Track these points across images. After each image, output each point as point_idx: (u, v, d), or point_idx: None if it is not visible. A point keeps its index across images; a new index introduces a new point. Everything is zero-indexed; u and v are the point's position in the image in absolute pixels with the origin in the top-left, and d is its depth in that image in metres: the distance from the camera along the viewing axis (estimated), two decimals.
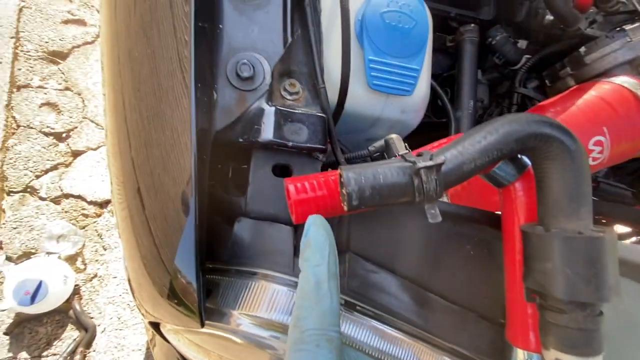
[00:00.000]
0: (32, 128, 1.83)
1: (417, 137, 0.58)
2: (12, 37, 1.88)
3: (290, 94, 0.38)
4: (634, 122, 0.47)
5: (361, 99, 0.48)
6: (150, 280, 0.31)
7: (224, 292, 0.31)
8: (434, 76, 0.79)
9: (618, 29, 0.53)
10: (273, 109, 0.35)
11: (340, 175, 0.27)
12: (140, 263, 0.32)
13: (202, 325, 0.29)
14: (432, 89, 0.66)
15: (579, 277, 0.26)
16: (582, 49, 0.56)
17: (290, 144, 0.33)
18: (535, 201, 0.30)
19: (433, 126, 0.69)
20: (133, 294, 0.36)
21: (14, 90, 1.86)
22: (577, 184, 0.27)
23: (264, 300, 0.30)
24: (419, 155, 0.28)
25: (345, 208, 0.27)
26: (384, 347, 0.31)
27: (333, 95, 0.48)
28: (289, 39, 0.35)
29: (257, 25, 0.35)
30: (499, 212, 0.34)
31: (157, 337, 0.47)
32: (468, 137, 0.28)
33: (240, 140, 0.33)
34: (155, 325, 0.38)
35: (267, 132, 0.34)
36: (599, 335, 0.27)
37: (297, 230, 0.33)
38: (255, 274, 0.31)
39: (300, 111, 0.36)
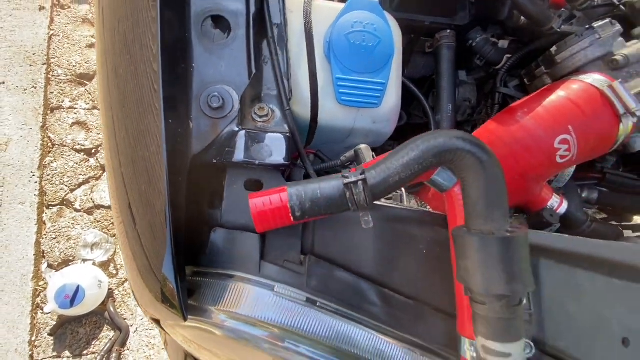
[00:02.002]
0: (65, 146, 2.00)
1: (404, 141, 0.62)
2: (44, 64, 2.06)
3: (260, 116, 0.43)
4: (601, 120, 0.48)
5: (332, 113, 0.52)
6: (143, 284, 0.37)
7: (203, 292, 0.37)
8: (420, 80, 0.81)
9: (588, 27, 0.54)
10: (243, 132, 0.40)
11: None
12: (135, 269, 0.38)
13: (185, 319, 0.35)
14: (413, 94, 0.69)
15: (493, 272, 0.29)
16: (553, 49, 0.57)
17: (257, 162, 0.39)
18: None
19: (418, 128, 0.72)
20: (134, 295, 0.42)
21: (48, 112, 2.04)
22: (490, 191, 0.30)
23: (235, 298, 0.35)
24: (357, 170, 0.32)
25: (292, 219, 0.31)
26: (343, 340, 0.36)
27: (306, 112, 0.52)
28: (254, 70, 0.40)
29: (224, 61, 0.40)
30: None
31: (167, 336, 0.54)
32: (395, 153, 0.31)
33: (215, 161, 0.39)
34: (157, 322, 0.44)
35: (238, 153, 0.39)
36: (518, 323, 0.30)
37: (265, 236, 0.38)
38: (228, 276, 0.36)
39: (267, 132, 0.41)
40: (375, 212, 0.40)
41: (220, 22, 0.41)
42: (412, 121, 0.77)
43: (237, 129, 0.40)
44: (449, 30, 0.67)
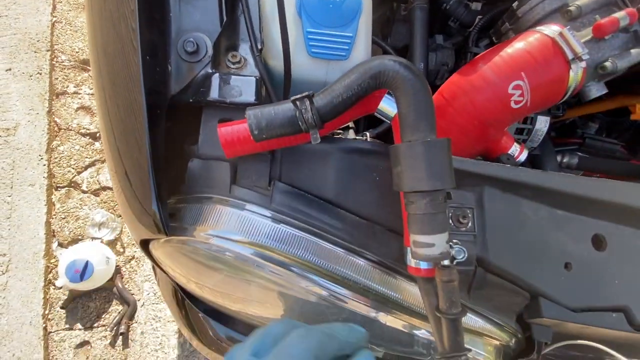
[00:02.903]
0: (71, 130, 2.07)
1: None
2: (48, 50, 2.12)
3: (233, 63, 0.47)
4: (552, 66, 0.52)
5: (305, 66, 0.57)
6: (129, 210, 0.43)
7: (182, 213, 0.42)
8: (404, 48, 0.84)
9: None
10: (217, 74, 0.45)
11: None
12: (123, 199, 0.43)
13: (167, 234, 0.40)
14: (387, 53, 0.73)
15: (417, 172, 0.34)
16: (515, 4, 0.60)
17: (228, 100, 0.43)
18: None
19: None
20: (127, 225, 0.48)
21: (54, 97, 2.11)
22: (416, 105, 0.34)
23: (211, 216, 0.41)
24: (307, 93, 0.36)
25: (253, 139, 0.36)
26: (310, 252, 0.41)
27: (280, 65, 0.57)
28: (224, 19, 0.45)
29: (198, 10, 0.45)
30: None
31: (159, 272, 0.60)
32: (340, 78, 0.36)
33: (191, 100, 0.44)
34: (145, 245, 0.49)
35: (212, 92, 0.44)
36: (442, 217, 0.34)
37: (237, 165, 0.43)
38: (204, 199, 0.42)
39: (237, 75, 0.46)
40: (336, 144, 0.44)
41: None
42: None
43: (211, 71, 0.45)
44: None
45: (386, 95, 0.39)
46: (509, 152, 0.61)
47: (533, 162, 0.92)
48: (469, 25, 0.74)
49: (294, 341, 0.29)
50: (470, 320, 0.48)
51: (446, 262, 0.35)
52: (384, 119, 0.41)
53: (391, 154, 0.37)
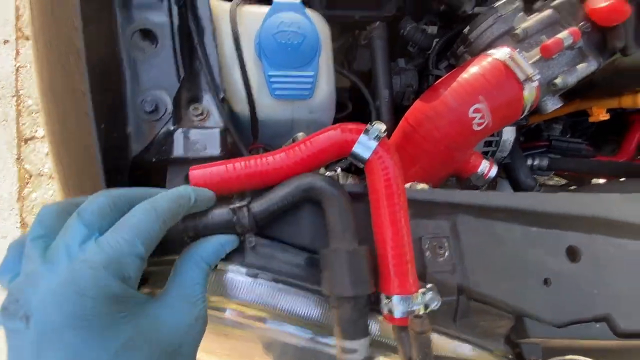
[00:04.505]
0: (42, 175, 2.00)
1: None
2: (13, 96, 2.06)
3: (196, 115, 0.47)
4: (506, 88, 0.54)
5: (270, 108, 0.57)
6: None
7: (154, 278, 0.41)
8: (369, 72, 0.86)
9: (491, 6, 0.60)
10: (179, 130, 0.44)
11: None
12: None
13: None
14: (355, 84, 0.75)
15: (341, 278, 0.36)
16: (467, 29, 0.63)
17: (192, 157, 0.43)
18: None
19: (364, 115, 0.77)
20: None
21: (22, 143, 2.04)
22: (341, 217, 0.39)
23: None
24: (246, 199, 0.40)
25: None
26: (283, 303, 0.40)
27: (246, 109, 0.57)
28: (182, 74, 0.45)
29: (155, 68, 0.45)
30: None
31: None
32: (276, 188, 0.40)
33: (154, 160, 0.43)
34: None
35: (175, 150, 0.44)
36: (363, 322, 0.37)
37: None
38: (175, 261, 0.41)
39: (200, 128, 0.45)
40: None
41: (147, 34, 0.45)
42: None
43: (172, 128, 0.44)
44: (378, 22, 0.72)
45: (359, 138, 0.40)
46: (479, 170, 0.62)
47: (506, 169, 0.94)
48: (428, 48, 0.76)
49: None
50: (460, 348, 0.47)
51: (420, 312, 0.35)
52: (357, 163, 0.41)
53: (321, 258, 0.39)
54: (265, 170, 0.41)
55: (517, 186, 0.93)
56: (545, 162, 1.01)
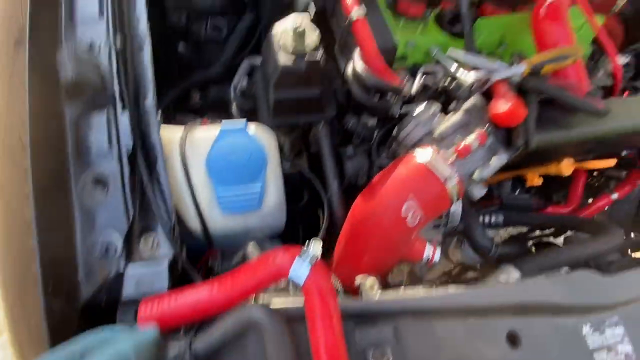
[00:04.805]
0: None
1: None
2: None
3: (147, 246, 0.51)
4: (431, 186, 0.61)
5: (222, 223, 0.62)
6: None
7: None
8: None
9: (413, 114, 0.70)
10: (128, 270, 0.48)
11: None
12: None
13: None
14: (310, 180, 0.81)
15: None
16: (395, 130, 0.72)
17: (141, 296, 0.46)
18: None
19: (319, 204, 0.83)
20: None
21: None
22: (278, 352, 0.42)
23: None
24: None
25: None
26: None
27: (198, 228, 0.61)
28: (131, 214, 0.49)
29: (106, 211, 0.49)
30: None
31: None
32: (220, 321, 0.44)
33: (103, 305, 0.45)
34: None
35: (125, 291, 0.47)
36: None
37: None
38: None
39: (150, 261, 0.49)
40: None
41: (98, 181, 0.50)
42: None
43: (122, 269, 0.47)
44: (322, 122, 0.81)
45: (293, 265, 0.44)
46: (424, 256, 0.67)
47: (464, 233, 1.00)
48: (369, 139, 0.85)
49: None
50: None
51: None
52: (296, 283, 0.45)
53: None
54: (209, 301, 0.45)
55: (476, 249, 0.98)
56: (500, 219, 1.08)
